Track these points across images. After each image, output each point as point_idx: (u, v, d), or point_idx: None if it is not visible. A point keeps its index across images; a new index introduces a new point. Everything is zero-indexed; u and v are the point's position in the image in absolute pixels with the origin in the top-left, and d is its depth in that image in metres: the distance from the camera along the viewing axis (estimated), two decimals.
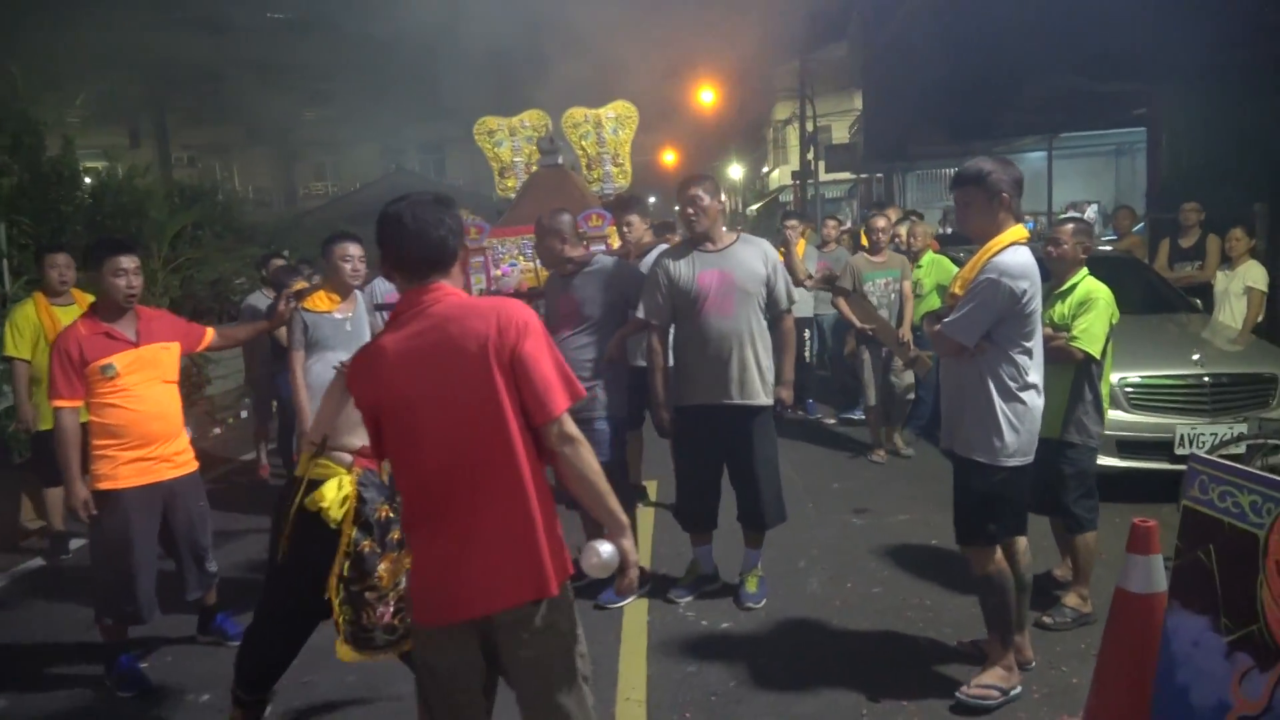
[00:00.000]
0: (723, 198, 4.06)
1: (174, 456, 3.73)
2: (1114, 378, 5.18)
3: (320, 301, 4.25)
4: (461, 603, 2.07)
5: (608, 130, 7.63)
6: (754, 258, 3.98)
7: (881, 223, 6.85)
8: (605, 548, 2.13)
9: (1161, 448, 5.17)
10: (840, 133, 30.50)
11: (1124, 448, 5.21)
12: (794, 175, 31.47)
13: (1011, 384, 2.98)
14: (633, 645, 3.85)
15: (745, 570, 4.23)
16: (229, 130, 34.44)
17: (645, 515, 5.43)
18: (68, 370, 3.51)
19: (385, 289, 5.40)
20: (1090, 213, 14.34)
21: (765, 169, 42.48)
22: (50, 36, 17.63)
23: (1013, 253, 2.95)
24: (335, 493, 2.83)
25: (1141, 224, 10.02)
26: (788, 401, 4.12)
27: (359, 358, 2.18)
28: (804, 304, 7.82)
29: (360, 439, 2.88)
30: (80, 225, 9.86)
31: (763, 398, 4.00)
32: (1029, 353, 3.01)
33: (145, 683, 3.71)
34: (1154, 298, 6.50)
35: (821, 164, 27.20)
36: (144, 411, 3.62)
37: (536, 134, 7.35)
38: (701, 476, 4.17)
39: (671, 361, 4.17)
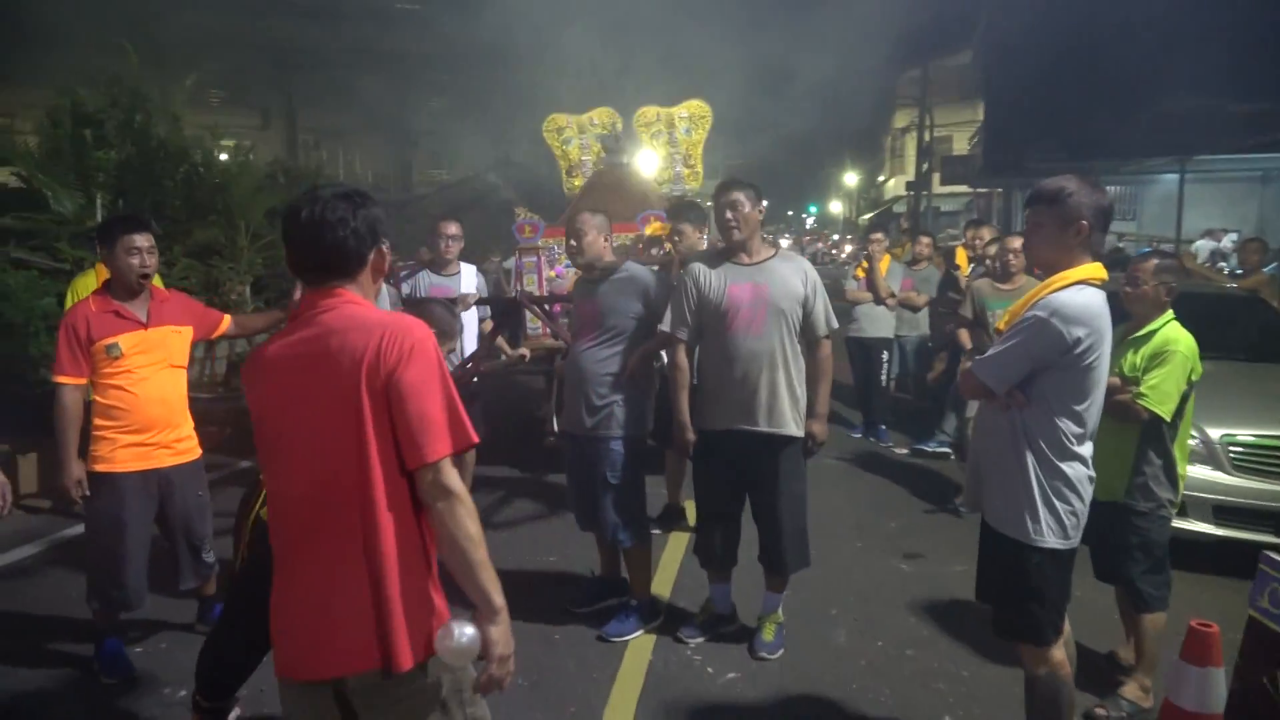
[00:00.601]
0: (763, 206, 3.69)
1: (174, 443, 3.64)
2: (1215, 434, 4.58)
3: None
4: (306, 661, 1.82)
5: (680, 130, 7.35)
6: (792, 274, 3.62)
7: (1015, 243, 5.57)
8: (464, 631, 1.76)
9: (1268, 518, 4.52)
10: (961, 144, 29.21)
11: (1222, 514, 4.58)
12: (908, 186, 30.38)
13: (1051, 452, 2.49)
14: (626, 685, 3.54)
15: (763, 615, 3.86)
16: (351, 116, 35.54)
17: (679, 540, 5.11)
18: (73, 346, 3.45)
19: (431, 283, 5.24)
20: (1227, 241, 13.13)
21: (881, 178, 41.23)
22: (172, 18, 18.43)
23: (1075, 292, 2.46)
24: None
25: (1277, 262, 9.04)
26: (819, 437, 3.72)
27: (249, 359, 1.94)
28: (883, 323, 7.34)
29: None
30: (179, 200, 10.16)
31: (792, 428, 3.63)
32: (1079, 417, 2.50)
33: (129, 670, 3.63)
34: (1277, 345, 5.74)
35: (937, 176, 26.10)
36: (146, 395, 3.53)
37: (605, 132, 7.11)
38: (720, 508, 3.83)
39: (696, 380, 3.84)
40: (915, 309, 7.45)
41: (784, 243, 56.04)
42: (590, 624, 4.00)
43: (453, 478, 1.76)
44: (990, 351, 2.59)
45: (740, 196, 3.58)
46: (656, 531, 5.18)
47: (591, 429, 3.82)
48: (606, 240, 3.92)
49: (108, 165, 9.78)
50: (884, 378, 7.47)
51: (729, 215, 3.60)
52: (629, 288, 3.81)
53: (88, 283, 5.22)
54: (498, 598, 1.82)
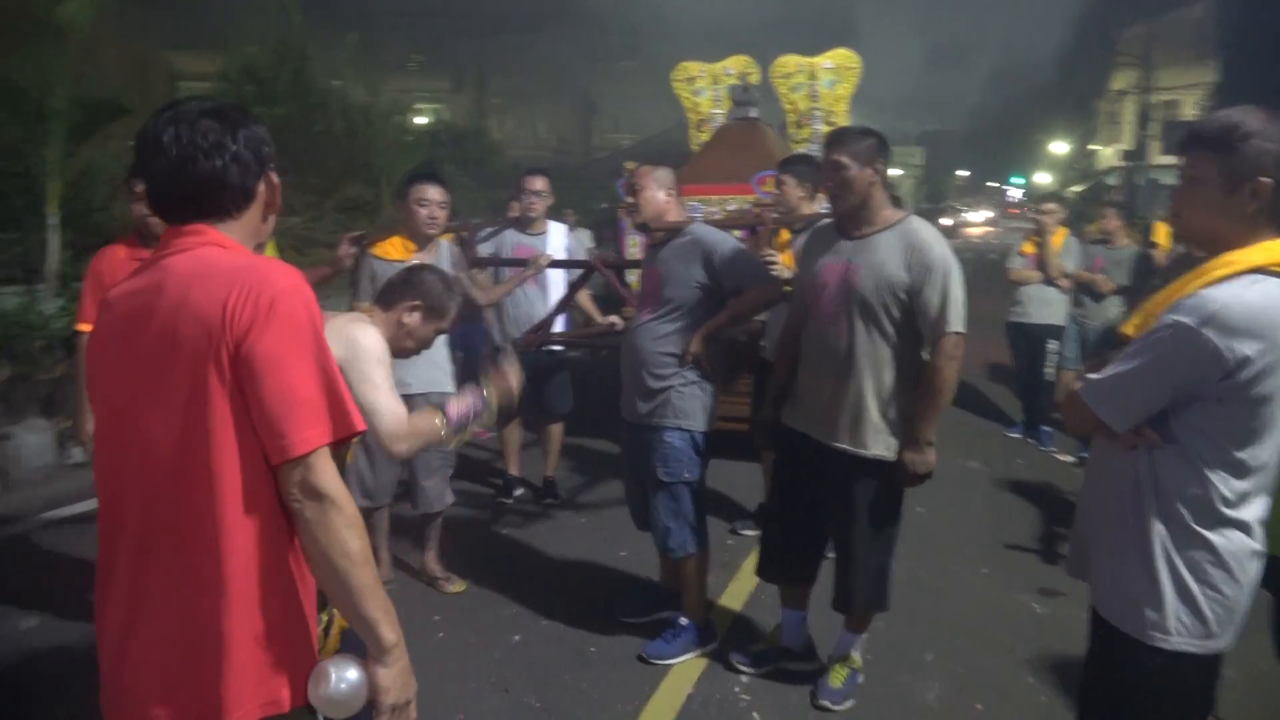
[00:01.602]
0: (880, 165, 2.91)
1: None
2: None
3: (393, 249, 3.74)
4: (117, 701, 1.41)
5: (823, 83, 6.55)
6: (892, 253, 2.81)
7: None
8: (346, 675, 1.38)
9: None
10: (1188, 110, 25.87)
11: None
12: (1125, 155, 27.36)
13: (1194, 517, 1.71)
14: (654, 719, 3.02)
15: (834, 656, 3.21)
16: (538, 81, 36.20)
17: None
18: (96, 294, 3.29)
19: (516, 242, 4.83)
20: None
21: (1092, 145, 37.48)
22: None
23: (1245, 286, 1.64)
24: None
25: None
26: (911, 468, 2.86)
27: (100, 312, 1.52)
28: (1053, 307, 6.29)
29: None
30: (333, 158, 10.38)
31: (876, 450, 2.89)
32: (1242, 468, 1.70)
33: None
34: None
35: (1156, 144, 23.24)
36: None
37: (737, 83, 6.42)
38: (789, 516, 3.19)
39: None
40: (1097, 295, 6.26)
41: (977, 216, 52.80)
42: (638, 637, 3.49)
43: (326, 477, 1.33)
44: (1109, 370, 1.81)
45: (842, 157, 2.84)
46: (748, 533, 4.60)
47: (645, 416, 3.28)
48: (669, 196, 3.33)
49: (267, 122, 10.09)
50: (1049, 370, 6.41)
51: (829, 182, 2.92)
52: (691, 252, 3.21)
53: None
54: (388, 633, 1.40)
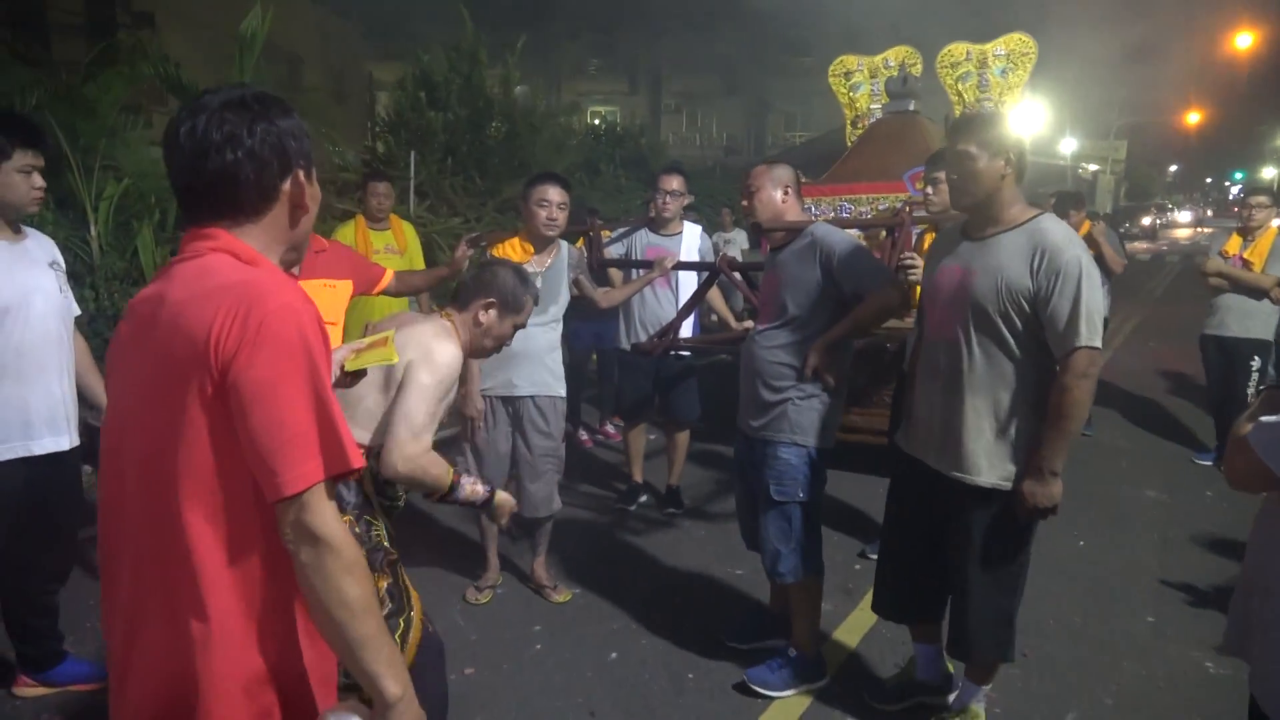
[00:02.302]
0: (1012, 156, 2.58)
1: None
2: None
3: (511, 250, 3.71)
4: (121, 712, 1.36)
5: (994, 71, 6.05)
6: (1016, 255, 2.47)
7: None
8: None
9: None
10: None
11: None
12: None
13: None
14: None
15: (953, 708, 2.88)
16: (712, 80, 36.11)
17: None
18: None
19: (648, 243, 4.73)
20: None
21: None
22: None
23: None
24: None
25: None
26: (1030, 500, 2.49)
27: (125, 315, 1.48)
28: (1258, 319, 5.52)
29: None
30: (496, 158, 10.66)
31: (986, 477, 2.55)
32: None
33: None
34: None
35: None
36: None
37: (894, 75, 6.04)
38: (900, 549, 2.91)
39: None
40: None
41: (1183, 215, 48.05)
42: (741, 665, 3.28)
43: (323, 517, 1.23)
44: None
45: (970, 147, 2.53)
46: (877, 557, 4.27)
47: (759, 429, 3.07)
48: (788, 195, 3.10)
49: (438, 126, 10.51)
50: (1250, 391, 5.62)
51: (955, 174, 2.61)
52: (809, 254, 2.96)
53: (345, 232, 5.43)
54: (392, 686, 1.28)
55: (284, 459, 1.20)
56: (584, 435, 6.34)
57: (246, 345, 1.20)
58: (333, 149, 7.63)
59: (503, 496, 2.49)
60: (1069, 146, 33.62)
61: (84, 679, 3.07)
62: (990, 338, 2.51)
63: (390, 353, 1.99)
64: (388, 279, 3.68)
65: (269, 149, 1.33)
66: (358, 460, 1.28)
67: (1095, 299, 2.41)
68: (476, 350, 2.52)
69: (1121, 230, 26.72)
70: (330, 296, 3.45)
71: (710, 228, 9.65)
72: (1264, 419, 1.51)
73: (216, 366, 1.21)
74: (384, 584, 2.24)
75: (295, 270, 3.37)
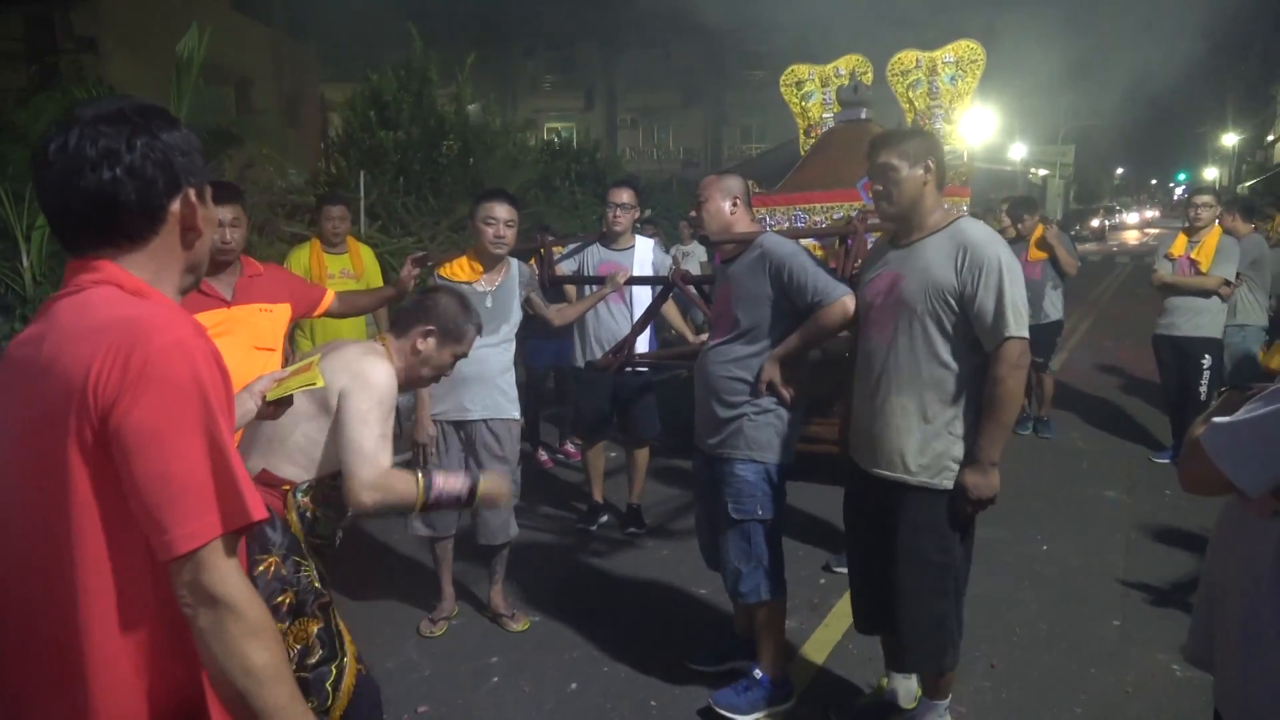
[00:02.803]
0: (930, 164, 2.59)
1: None
2: None
3: (460, 270, 3.60)
4: None
5: (943, 78, 6.05)
6: (941, 256, 2.51)
7: None
8: None
9: None
10: None
11: None
12: None
13: None
14: None
15: None
16: (667, 94, 36.25)
17: None
18: None
19: (600, 258, 4.64)
20: None
21: (1271, 137, 34.21)
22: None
23: None
24: None
25: None
26: (975, 493, 2.50)
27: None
28: (1207, 317, 5.59)
29: (264, 461, 2.18)
30: (449, 177, 10.54)
31: (916, 474, 2.56)
32: None
33: None
34: None
35: None
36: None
37: (845, 83, 6.03)
38: (859, 558, 2.89)
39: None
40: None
41: (1131, 218, 49.13)
42: (707, 688, 3.18)
43: (221, 576, 1.12)
44: (1242, 414, 1.43)
45: (890, 159, 2.57)
46: (842, 570, 4.20)
47: (715, 447, 3.00)
48: (736, 207, 3.05)
49: (389, 144, 10.38)
50: (1203, 389, 5.67)
51: (879, 185, 2.63)
52: (760, 266, 2.90)
53: (300, 256, 5.25)
54: None
55: (174, 514, 1.09)
56: (544, 455, 6.22)
57: (129, 388, 1.09)
58: (278, 171, 7.47)
59: (489, 483, 2.30)
60: (1019, 152, 34.21)
61: None
62: (920, 338, 2.54)
63: (314, 376, 1.89)
64: (328, 300, 3.55)
65: (152, 165, 1.19)
66: (259, 512, 1.16)
67: (1018, 291, 2.47)
68: (412, 380, 2.40)
69: (1072, 233, 27.23)
70: (267, 321, 3.32)
71: (669, 241, 9.60)
72: (1216, 420, 1.46)
73: (96, 413, 1.09)
74: (314, 628, 2.12)
75: (228, 294, 3.26)
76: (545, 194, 11.72)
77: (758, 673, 3.06)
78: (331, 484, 2.23)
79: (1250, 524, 1.49)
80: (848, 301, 2.77)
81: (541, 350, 6.01)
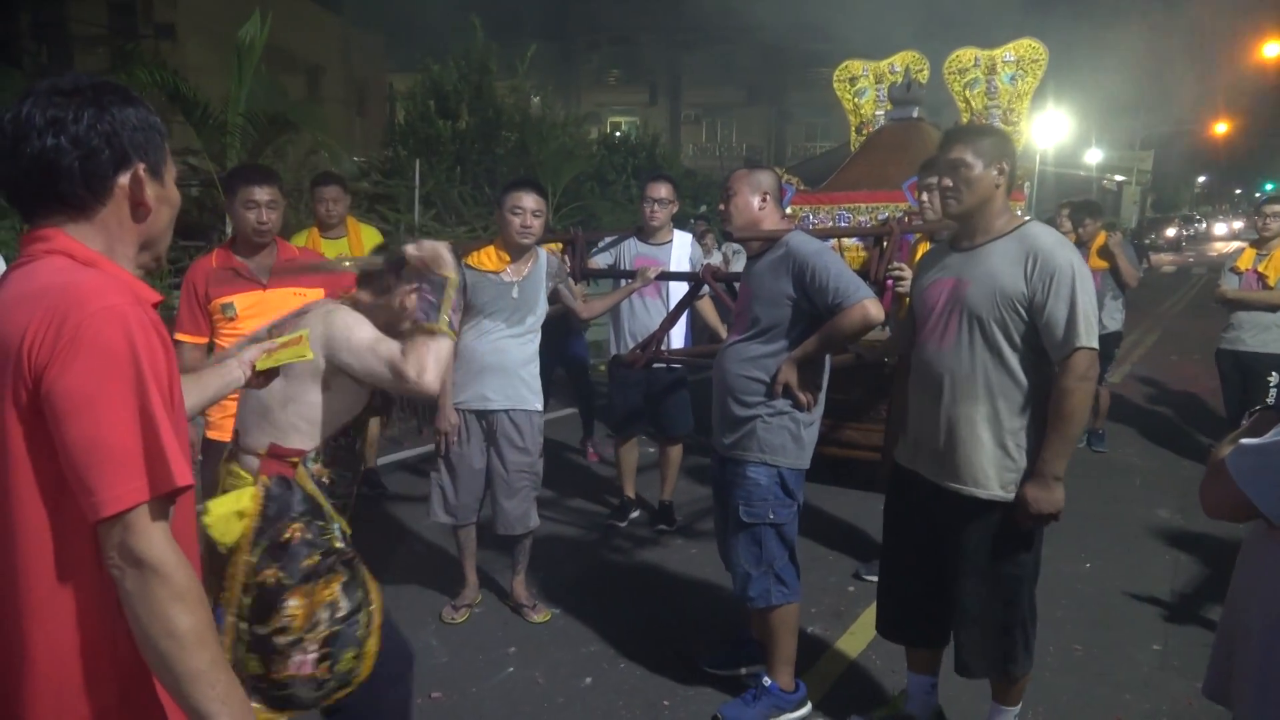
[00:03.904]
0: (1005, 165, 2.49)
1: None
2: None
3: (487, 259, 3.59)
4: None
5: (1002, 78, 5.90)
6: (1009, 262, 2.41)
7: None
8: None
9: None
10: None
11: None
12: None
13: None
14: None
15: None
16: (731, 91, 36.06)
17: None
18: (191, 304, 3.34)
19: (636, 253, 4.61)
20: None
21: None
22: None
23: None
24: (227, 508, 2.17)
25: None
26: (1033, 506, 2.42)
27: None
28: (1275, 333, 5.31)
29: (270, 435, 2.20)
30: (506, 167, 10.62)
31: (991, 488, 2.47)
32: None
33: None
34: None
35: None
36: None
37: (898, 81, 5.90)
38: (898, 561, 2.79)
39: None
40: None
41: (1220, 228, 47.24)
42: (721, 693, 3.14)
43: (148, 540, 1.13)
44: (1271, 437, 1.35)
45: (964, 155, 2.46)
46: (872, 579, 4.10)
47: (729, 447, 2.95)
48: (765, 202, 2.98)
49: (447, 134, 10.48)
50: (1270, 400, 5.41)
51: (948, 181, 2.52)
52: (782, 265, 2.83)
53: (299, 242, 5.09)
54: None
55: (102, 477, 1.10)
56: (591, 450, 6.20)
57: (60, 353, 1.11)
58: (333, 158, 7.60)
59: (419, 250, 2.15)
60: (1094, 157, 33.20)
61: None
62: (985, 346, 2.45)
63: (304, 349, 1.92)
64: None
65: (98, 136, 1.21)
66: (184, 478, 1.16)
67: (1089, 301, 2.38)
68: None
69: (1147, 241, 26.29)
70: (299, 304, 3.36)
71: (722, 237, 9.53)
72: (1245, 442, 1.37)
73: (30, 377, 1.12)
74: (338, 583, 2.15)
75: (264, 277, 3.31)
76: (600, 187, 11.73)
77: (767, 681, 3.00)
78: (341, 444, 2.25)
79: (1271, 562, 1.40)
80: (869, 305, 2.68)
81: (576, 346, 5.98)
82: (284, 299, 3.32)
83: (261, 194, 3.28)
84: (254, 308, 3.30)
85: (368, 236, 4.99)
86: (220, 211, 6.70)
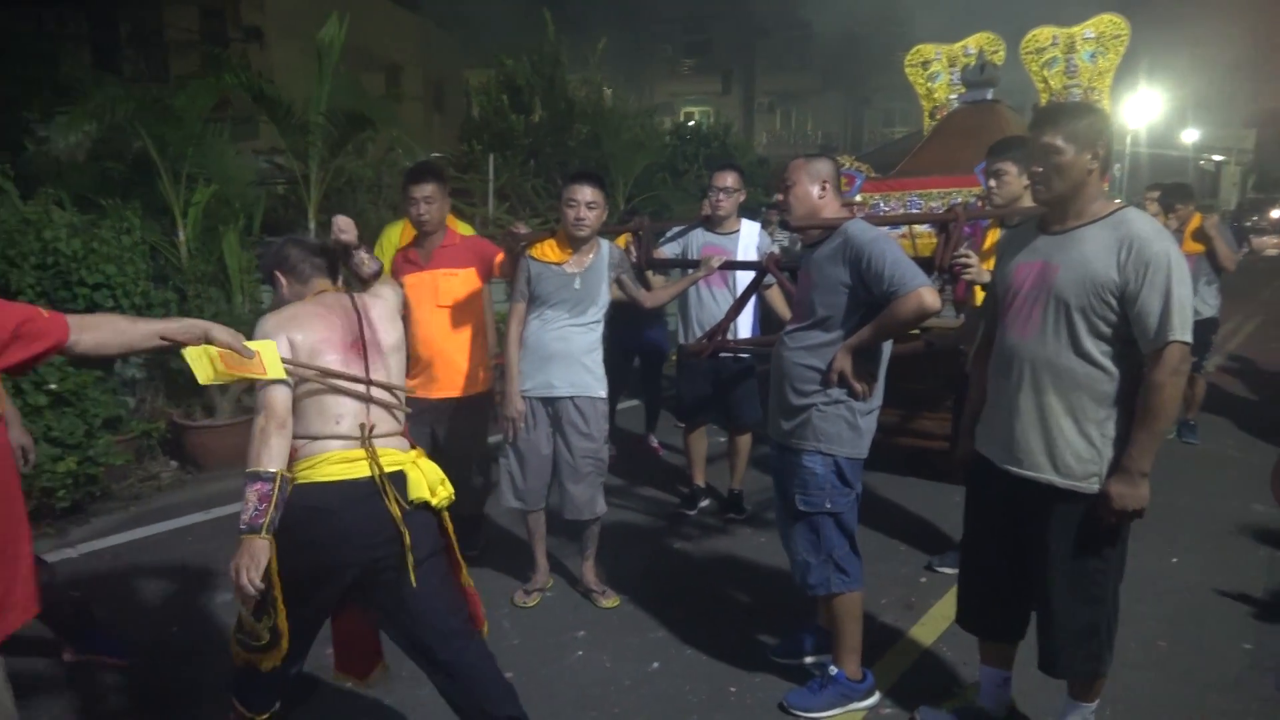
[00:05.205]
0: (1100, 150, 2.37)
1: (441, 379, 3.87)
2: None
3: (550, 251, 3.64)
4: None
5: (1082, 55, 5.70)
6: (1102, 249, 2.31)
7: None
8: None
9: None
10: None
11: None
12: None
13: None
14: None
15: None
16: (806, 78, 35.54)
17: None
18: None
19: (704, 242, 4.61)
20: None
21: None
22: None
23: None
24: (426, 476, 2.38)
25: None
26: (1120, 504, 2.32)
27: None
28: None
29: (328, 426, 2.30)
30: (578, 159, 10.72)
31: (1074, 480, 2.39)
32: None
33: None
34: None
35: None
36: (414, 335, 3.75)
37: (972, 63, 5.75)
38: (979, 555, 2.72)
39: None
40: None
41: None
42: (788, 681, 3.14)
43: None
44: None
45: (1055, 140, 2.36)
46: (947, 570, 4.04)
47: (785, 437, 2.94)
48: (825, 191, 2.94)
49: (520, 128, 10.62)
50: None
51: (1038, 166, 2.42)
52: (840, 253, 2.79)
53: (392, 235, 5.28)
54: None
55: None
56: (654, 442, 6.23)
57: None
58: (407, 153, 7.78)
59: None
60: (1191, 136, 31.70)
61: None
62: (1071, 334, 2.37)
63: (262, 371, 2.07)
64: (497, 261, 3.89)
65: None
66: None
67: (1185, 292, 2.26)
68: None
69: (1249, 224, 24.98)
70: (449, 283, 3.86)
71: (781, 228, 9.46)
72: None
73: None
74: None
75: (424, 260, 3.81)
76: (672, 178, 11.73)
77: (833, 669, 2.99)
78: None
79: None
80: (924, 293, 2.63)
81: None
82: (436, 278, 3.85)
83: (419, 190, 3.74)
84: (414, 286, 3.78)
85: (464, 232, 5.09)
86: (303, 207, 6.93)
